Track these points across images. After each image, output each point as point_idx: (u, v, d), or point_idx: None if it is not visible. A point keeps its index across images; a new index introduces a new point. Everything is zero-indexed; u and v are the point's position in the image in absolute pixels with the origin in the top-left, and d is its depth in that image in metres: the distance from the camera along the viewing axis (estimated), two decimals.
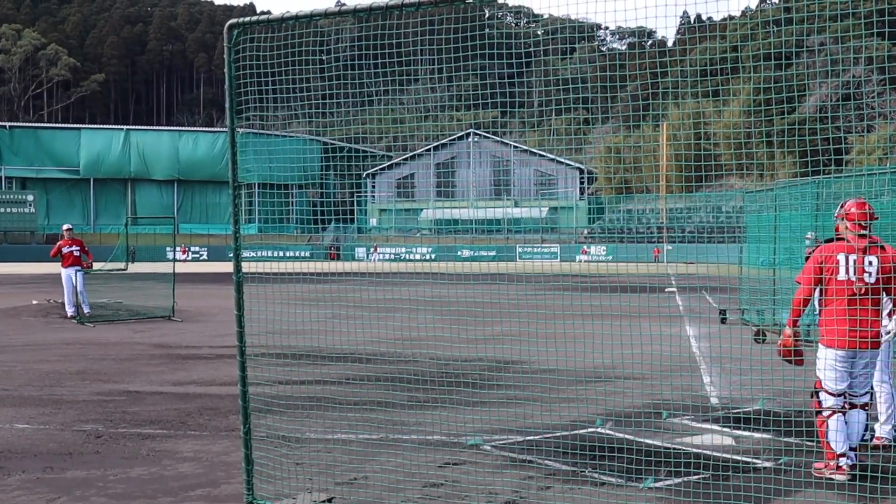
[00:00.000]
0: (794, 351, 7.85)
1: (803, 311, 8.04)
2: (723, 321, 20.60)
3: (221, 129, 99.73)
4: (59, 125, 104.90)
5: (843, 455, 7.80)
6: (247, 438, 6.35)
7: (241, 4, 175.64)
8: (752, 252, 21.13)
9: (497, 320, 13.86)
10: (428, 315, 15.12)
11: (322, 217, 76.20)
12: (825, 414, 7.88)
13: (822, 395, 7.91)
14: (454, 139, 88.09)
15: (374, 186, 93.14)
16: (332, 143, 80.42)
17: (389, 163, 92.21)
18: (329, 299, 15.49)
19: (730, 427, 9.77)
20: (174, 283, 24.12)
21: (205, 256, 76.57)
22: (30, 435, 9.67)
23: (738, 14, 67.53)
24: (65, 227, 23.86)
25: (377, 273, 34.31)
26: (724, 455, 8.48)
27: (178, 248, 70.82)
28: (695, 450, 8.62)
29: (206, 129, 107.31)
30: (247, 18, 6.35)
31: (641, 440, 9.01)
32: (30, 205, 79.45)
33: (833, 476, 7.77)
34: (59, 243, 23.07)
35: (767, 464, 8.21)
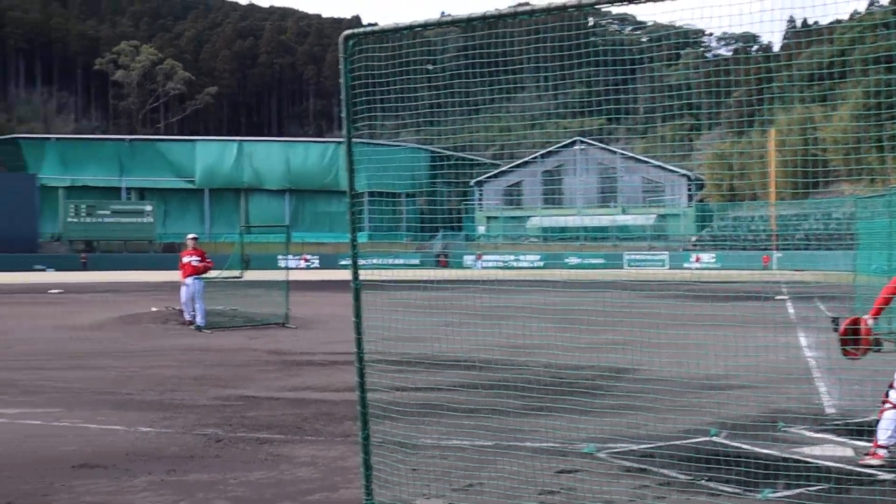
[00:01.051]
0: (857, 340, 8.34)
1: (883, 308, 8.58)
2: (835, 329, 20.06)
3: (331, 140, 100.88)
4: (176, 137, 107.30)
5: (883, 447, 8.05)
6: (366, 444, 6.38)
7: (349, 17, 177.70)
8: (865, 259, 20.60)
9: (607, 328, 13.73)
10: (538, 322, 15.02)
11: (431, 225, 76.55)
12: (886, 406, 8.11)
13: (892, 393, 8.13)
14: (561, 147, 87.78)
15: (482, 194, 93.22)
16: (440, 152, 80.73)
17: (497, 171, 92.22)
18: (441, 306, 15.43)
19: (848, 438, 9.51)
20: (287, 290, 24.38)
21: (316, 264, 77.43)
22: (153, 438, 9.88)
23: (846, 17, 65.97)
24: (189, 236, 24.23)
25: (488, 280, 34.25)
26: (843, 466, 8.26)
27: (297, 257, 71.96)
28: (812, 461, 8.42)
29: (316, 139, 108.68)
30: (361, 29, 6.39)
31: (757, 450, 8.82)
32: (148, 214, 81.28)
33: (870, 462, 7.98)
34: (181, 254, 23.59)
35: (888, 476, 7.98)
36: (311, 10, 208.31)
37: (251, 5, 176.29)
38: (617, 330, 12.72)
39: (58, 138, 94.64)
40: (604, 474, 8.01)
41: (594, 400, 10.69)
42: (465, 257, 76.78)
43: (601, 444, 9.03)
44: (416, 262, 69.05)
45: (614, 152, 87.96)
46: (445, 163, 79.86)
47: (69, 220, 79.35)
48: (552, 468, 8.12)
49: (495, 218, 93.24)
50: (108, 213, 79.96)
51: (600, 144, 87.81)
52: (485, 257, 76.31)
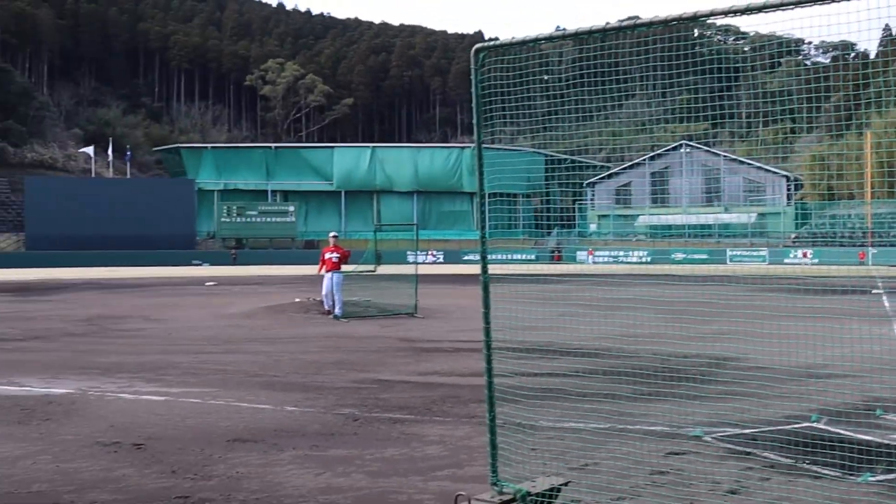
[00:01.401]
0: None
1: None
2: None
3: (455, 145, 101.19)
4: (316, 144, 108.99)
5: None
6: (492, 425, 6.34)
7: (472, 32, 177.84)
8: None
9: (712, 319, 13.48)
10: (648, 313, 14.82)
11: (546, 223, 76.18)
12: None
13: None
14: (668, 150, 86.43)
15: (593, 194, 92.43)
16: (555, 156, 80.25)
17: (608, 172, 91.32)
18: (557, 298, 15.32)
19: None
20: (416, 283, 24.51)
21: (441, 259, 77.85)
22: (297, 417, 10.02)
23: None
24: (331, 234, 24.59)
25: (600, 274, 33.93)
26: None
27: (424, 252, 72.46)
28: None
29: (442, 145, 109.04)
30: (490, 43, 6.36)
31: (856, 436, 8.52)
32: (291, 214, 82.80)
33: None
34: (323, 250, 23.95)
35: None
36: (437, 27, 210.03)
37: (383, 24, 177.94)
38: (722, 321, 12.45)
39: (213, 147, 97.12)
40: (711, 456, 7.85)
41: (701, 386, 10.47)
42: (578, 253, 76.24)
43: (708, 428, 8.84)
44: (533, 257, 68.84)
45: (718, 155, 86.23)
46: (560, 166, 79.37)
47: (222, 219, 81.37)
48: (662, 450, 7.98)
49: (606, 216, 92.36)
50: (255, 213, 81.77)
51: (704, 147, 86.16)
52: (596, 253, 75.67)
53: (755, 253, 72.15)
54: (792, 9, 4.81)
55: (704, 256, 68.82)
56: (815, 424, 9.11)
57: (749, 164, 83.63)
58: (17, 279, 48.05)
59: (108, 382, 12.57)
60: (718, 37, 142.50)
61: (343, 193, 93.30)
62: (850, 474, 7.12)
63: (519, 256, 68.46)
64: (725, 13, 4.90)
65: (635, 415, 9.23)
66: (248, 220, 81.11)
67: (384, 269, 26.08)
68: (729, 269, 57.49)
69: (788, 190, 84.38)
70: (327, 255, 23.32)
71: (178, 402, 11.01)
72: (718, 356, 13.60)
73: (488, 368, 6.36)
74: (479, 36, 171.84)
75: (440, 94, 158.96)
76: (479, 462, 7.64)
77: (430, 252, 76.23)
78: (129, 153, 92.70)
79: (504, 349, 7.43)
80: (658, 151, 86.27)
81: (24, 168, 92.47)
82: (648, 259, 71.83)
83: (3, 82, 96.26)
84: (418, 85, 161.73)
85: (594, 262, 72.64)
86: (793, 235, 77.52)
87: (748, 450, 8.08)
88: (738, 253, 72.14)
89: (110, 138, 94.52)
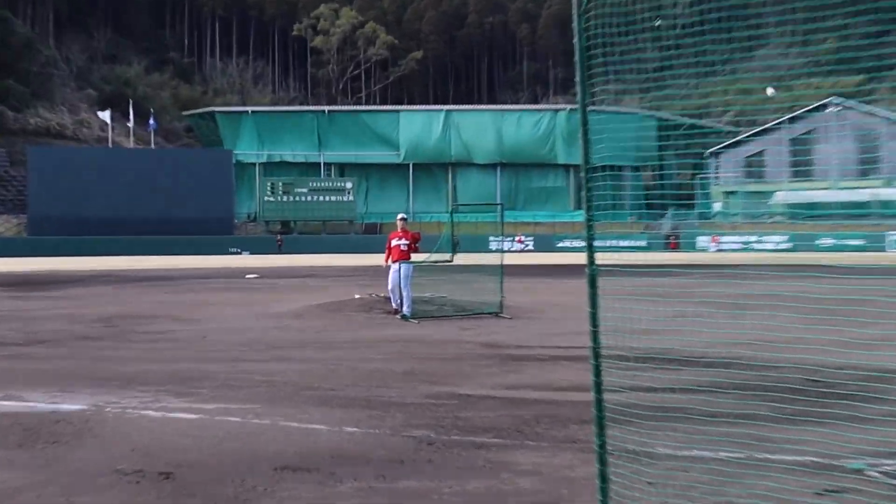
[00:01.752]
0: None
1: None
2: None
3: (547, 108, 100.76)
4: (378, 107, 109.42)
5: None
6: (601, 452, 6.24)
7: None
8: None
9: (873, 321, 13.16)
10: (789, 314, 14.52)
11: (660, 202, 75.57)
12: None
13: None
14: (811, 110, 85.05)
15: (717, 166, 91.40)
16: (670, 120, 79.45)
17: (735, 139, 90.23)
18: (674, 294, 15.07)
19: None
20: (502, 277, 24.35)
21: (531, 246, 77.61)
22: (359, 439, 10.00)
23: None
24: (399, 216, 24.47)
25: (726, 265, 33.46)
26: None
27: (511, 238, 72.40)
28: None
29: (530, 107, 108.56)
30: None
31: None
32: (348, 192, 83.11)
33: None
34: (389, 236, 23.82)
35: None
36: None
37: None
38: (887, 323, 12.16)
39: (254, 111, 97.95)
40: (876, 495, 7.64)
41: (863, 406, 10.22)
42: (699, 238, 75.55)
43: (873, 459, 8.62)
44: (643, 244, 68.40)
45: (876, 115, 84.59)
46: (676, 132, 78.62)
47: (266, 199, 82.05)
48: (814, 486, 7.80)
49: (733, 193, 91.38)
50: (306, 190, 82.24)
51: (859, 107, 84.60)
52: (722, 238, 74.89)
53: None
54: None
55: (860, 242, 67.72)
56: None
57: None
58: (18, 270, 49.12)
59: (130, 397, 12.70)
60: None
61: (411, 166, 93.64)
62: None
63: (626, 243, 68.07)
64: None
65: (778, 441, 9.04)
66: (297, 199, 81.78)
67: (462, 259, 26.01)
68: (891, 257, 56.47)
69: None
70: (394, 243, 23.21)
71: (213, 420, 11.07)
72: (884, 368, 13.27)
73: (597, 382, 6.25)
74: None
75: (528, 45, 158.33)
76: (583, 498, 7.54)
77: (517, 238, 76.17)
78: (153, 119, 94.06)
79: (613, 357, 7.31)
80: (799, 112, 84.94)
81: (26, 136, 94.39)
82: (788, 245, 70.90)
83: (1, 34, 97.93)
84: (501, 34, 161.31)
85: (719, 250, 71.91)
86: None
87: None
88: None
89: (130, 101, 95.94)
